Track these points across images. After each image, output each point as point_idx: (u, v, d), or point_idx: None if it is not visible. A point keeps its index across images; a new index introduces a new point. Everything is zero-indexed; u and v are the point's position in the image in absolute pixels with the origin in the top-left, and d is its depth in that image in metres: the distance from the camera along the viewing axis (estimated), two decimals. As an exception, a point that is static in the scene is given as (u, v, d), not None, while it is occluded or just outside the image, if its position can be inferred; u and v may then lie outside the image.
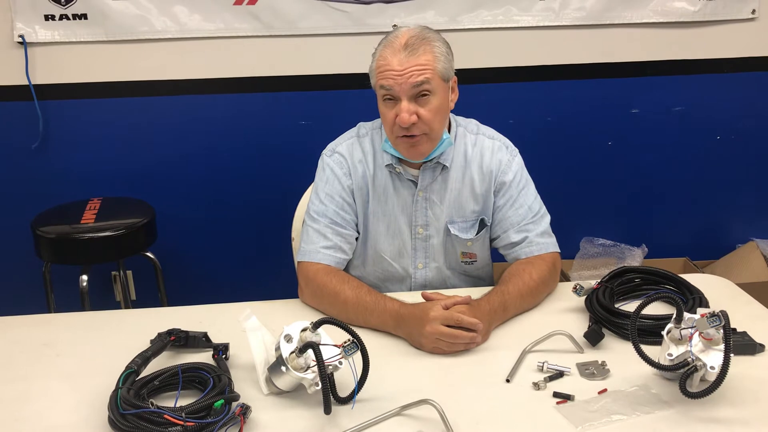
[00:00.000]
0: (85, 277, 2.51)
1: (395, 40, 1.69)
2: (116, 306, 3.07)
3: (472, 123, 1.89)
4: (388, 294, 1.69)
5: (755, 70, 3.04)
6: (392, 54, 1.67)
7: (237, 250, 3.10)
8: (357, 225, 1.85)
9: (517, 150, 1.87)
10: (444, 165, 1.80)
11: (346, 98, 2.90)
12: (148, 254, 2.70)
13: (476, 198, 1.84)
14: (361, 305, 1.64)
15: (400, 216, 1.84)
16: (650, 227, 3.24)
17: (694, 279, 1.74)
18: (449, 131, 1.81)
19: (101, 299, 3.02)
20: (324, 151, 1.88)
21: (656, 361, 1.35)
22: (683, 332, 1.33)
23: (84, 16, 2.74)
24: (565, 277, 3.03)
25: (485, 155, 1.84)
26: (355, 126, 1.92)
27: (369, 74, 1.75)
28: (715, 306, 1.56)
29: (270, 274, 2.87)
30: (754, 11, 2.96)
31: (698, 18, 2.94)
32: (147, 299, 3.05)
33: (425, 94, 1.67)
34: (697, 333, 1.30)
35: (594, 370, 1.44)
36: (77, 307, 2.53)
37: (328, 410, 1.26)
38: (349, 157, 1.84)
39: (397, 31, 1.72)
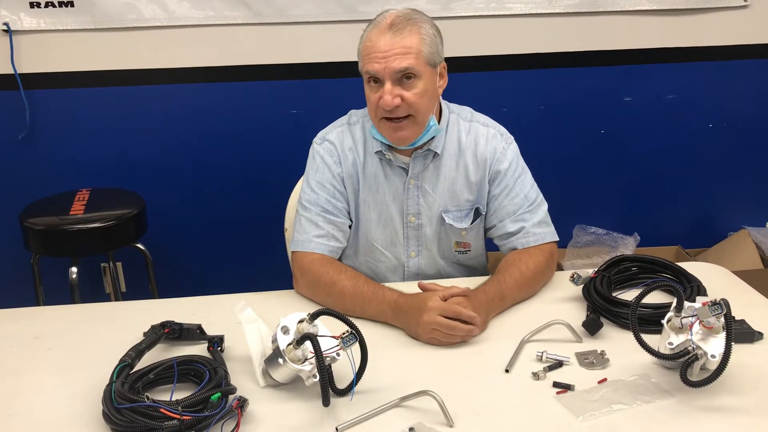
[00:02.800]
0: (74, 269, 2.48)
1: (382, 21, 1.68)
2: (106, 298, 3.04)
3: (466, 110, 1.87)
4: (385, 284, 1.67)
5: (747, 58, 3.04)
6: (378, 35, 1.65)
7: (228, 241, 3.07)
8: (349, 213, 1.83)
9: (512, 138, 1.85)
10: (435, 152, 1.78)
11: (337, 87, 2.87)
12: (139, 246, 2.67)
13: (470, 187, 1.82)
14: (358, 295, 1.62)
15: (392, 204, 1.82)
16: (642, 215, 3.24)
17: (690, 267, 1.74)
18: (440, 118, 1.79)
19: (90, 291, 2.99)
20: (314, 139, 1.86)
21: (656, 350, 1.34)
22: (684, 321, 1.32)
23: (70, 4, 2.70)
24: (557, 266, 3.02)
25: (479, 143, 1.81)
26: (346, 114, 1.89)
27: (357, 57, 1.73)
28: (713, 294, 1.56)
29: (262, 265, 2.85)
30: (746, -1, 2.96)
31: (691, 5, 2.93)
32: (137, 291, 3.02)
33: (409, 77, 1.65)
34: (698, 321, 1.30)
35: (593, 360, 1.43)
36: (66, 300, 2.50)
37: (326, 402, 1.25)
38: (339, 145, 1.81)
39: (384, 12, 1.70)
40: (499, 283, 1.65)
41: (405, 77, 1.65)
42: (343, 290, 1.65)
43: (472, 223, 1.84)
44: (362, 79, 1.72)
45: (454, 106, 1.86)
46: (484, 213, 1.85)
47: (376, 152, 1.79)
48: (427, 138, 1.75)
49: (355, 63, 1.73)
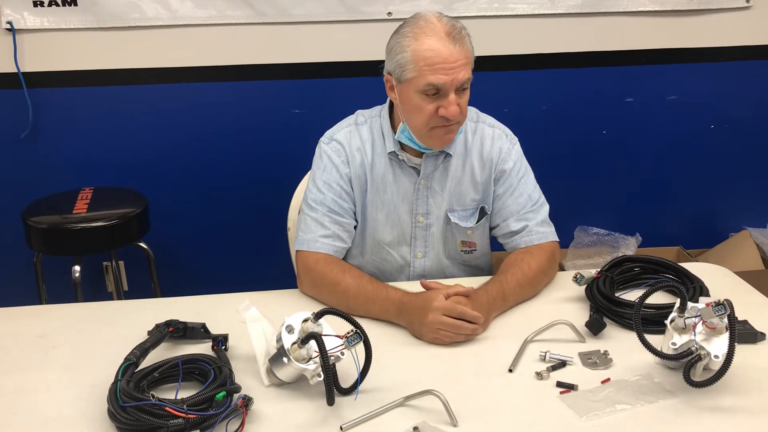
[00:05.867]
0: (77, 268, 2.49)
1: (434, 28, 1.61)
2: (108, 296, 3.04)
3: (472, 111, 1.87)
4: (390, 283, 1.68)
5: (750, 59, 3.04)
6: (438, 43, 1.60)
7: (231, 240, 3.08)
8: (355, 213, 1.84)
9: (516, 138, 1.87)
10: (447, 153, 1.79)
11: (340, 86, 2.87)
12: (141, 244, 2.67)
13: (476, 186, 1.83)
14: (362, 294, 1.63)
15: (401, 204, 1.82)
16: (644, 216, 3.24)
17: (692, 268, 1.74)
18: None
19: (92, 289, 2.99)
20: (321, 139, 1.86)
21: (659, 350, 1.34)
22: (687, 321, 1.33)
23: (74, 2, 2.70)
24: (559, 267, 3.02)
25: (485, 143, 1.82)
26: (351, 114, 1.89)
27: (401, 64, 1.63)
28: (715, 295, 1.57)
29: (266, 264, 2.85)
30: (748, 0, 2.95)
31: (693, 6, 2.94)
32: (139, 290, 3.03)
33: (465, 86, 1.66)
34: (701, 322, 1.30)
35: (596, 360, 1.44)
36: (68, 298, 2.50)
37: (331, 401, 1.25)
38: (347, 145, 1.82)
39: (424, 17, 1.64)
40: (501, 283, 1.66)
41: (462, 86, 1.65)
42: (347, 289, 1.65)
43: (477, 222, 1.85)
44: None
45: None
46: (489, 212, 1.86)
47: (389, 153, 1.79)
48: (457, 137, 1.76)
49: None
